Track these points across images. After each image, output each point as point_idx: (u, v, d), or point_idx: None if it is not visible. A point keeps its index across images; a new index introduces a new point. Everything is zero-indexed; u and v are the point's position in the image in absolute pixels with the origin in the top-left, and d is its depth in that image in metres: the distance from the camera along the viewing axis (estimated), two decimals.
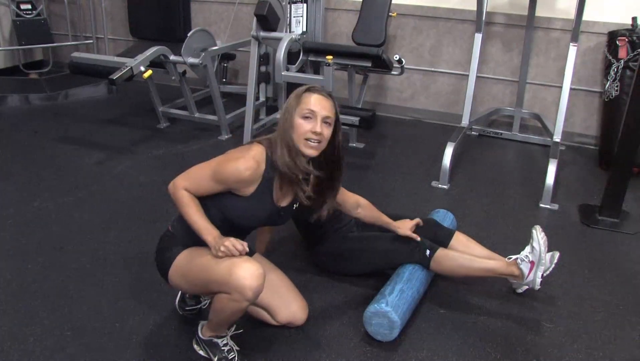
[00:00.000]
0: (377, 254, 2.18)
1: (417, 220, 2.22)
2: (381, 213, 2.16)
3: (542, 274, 2.05)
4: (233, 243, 1.59)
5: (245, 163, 1.63)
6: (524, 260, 2.05)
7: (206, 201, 1.72)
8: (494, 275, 2.11)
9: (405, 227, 2.16)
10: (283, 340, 1.92)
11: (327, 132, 1.69)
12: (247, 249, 1.63)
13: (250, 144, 1.73)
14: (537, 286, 2.06)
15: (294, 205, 1.84)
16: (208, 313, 1.78)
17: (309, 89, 1.70)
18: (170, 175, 1.75)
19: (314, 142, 1.66)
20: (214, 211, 1.72)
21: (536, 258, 2.03)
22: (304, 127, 1.65)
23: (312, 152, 1.68)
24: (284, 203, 1.79)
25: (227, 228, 1.71)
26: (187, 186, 1.68)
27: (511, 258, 2.10)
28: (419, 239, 2.13)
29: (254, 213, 1.73)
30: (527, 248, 2.06)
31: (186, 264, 1.72)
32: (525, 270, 2.05)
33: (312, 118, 1.65)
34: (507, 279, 2.20)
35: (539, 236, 2.04)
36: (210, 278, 1.63)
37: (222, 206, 1.72)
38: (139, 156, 3.56)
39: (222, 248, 1.58)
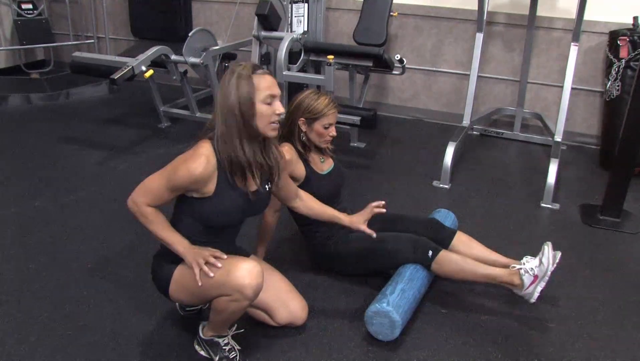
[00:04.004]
0: (379, 254, 2.16)
1: (370, 208, 2.00)
2: (326, 206, 2.04)
3: (542, 290, 2.00)
4: (212, 254, 1.64)
5: (194, 162, 1.60)
6: (528, 272, 2.00)
7: (180, 216, 1.72)
8: (494, 282, 2.07)
9: (357, 221, 2.01)
10: (284, 340, 1.92)
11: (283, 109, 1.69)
12: (224, 255, 1.65)
13: (198, 142, 1.67)
14: (533, 300, 2.01)
15: (266, 185, 1.80)
16: (208, 313, 1.79)
17: (254, 72, 1.62)
18: None
19: (276, 123, 1.66)
20: (190, 222, 1.71)
21: (541, 274, 1.99)
22: (268, 111, 1.63)
23: (275, 133, 1.69)
24: (253, 187, 1.74)
25: (213, 235, 1.70)
26: (149, 201, 1.66)
27: (515, 267, 2.05)
28: (374, 235, 1.98)
29: (227, 207, 1.69)
30: (535, 261, 2.01)
31: (183, 276, 1.71)
32: (527, 282, 2.00)
33: (273, 101, 1.64)
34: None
35: (549, 253, 1.99)
36: (209, 283, 1.63)
37: (196, 215, 1.70)
38: (140, 155, 3.57)
39: (205, 266, 1.62)
